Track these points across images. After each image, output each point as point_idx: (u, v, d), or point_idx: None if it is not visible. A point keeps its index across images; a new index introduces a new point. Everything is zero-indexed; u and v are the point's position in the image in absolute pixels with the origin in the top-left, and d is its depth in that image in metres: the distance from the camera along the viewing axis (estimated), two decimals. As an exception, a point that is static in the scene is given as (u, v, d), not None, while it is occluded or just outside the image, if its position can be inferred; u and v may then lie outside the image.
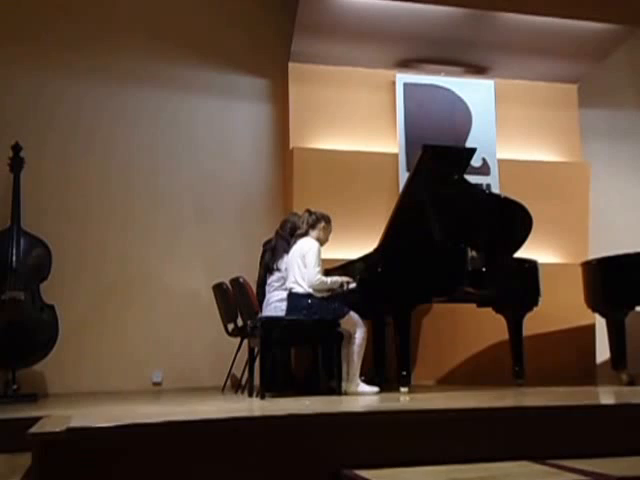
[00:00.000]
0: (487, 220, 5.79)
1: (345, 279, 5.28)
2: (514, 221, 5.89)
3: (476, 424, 3.45)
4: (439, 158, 5.63)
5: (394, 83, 7.36)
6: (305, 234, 5.39)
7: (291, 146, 7.04)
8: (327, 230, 5.44)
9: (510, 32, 6.96)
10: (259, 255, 6.11)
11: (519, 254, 5.95)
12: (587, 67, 7.66)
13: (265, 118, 7.35)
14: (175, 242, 6.91)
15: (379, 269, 5.25)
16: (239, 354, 6.06)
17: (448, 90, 7.47)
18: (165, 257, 6.84)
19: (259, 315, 5.37)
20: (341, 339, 5.08)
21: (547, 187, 7.31)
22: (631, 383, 5.70)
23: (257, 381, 5.14)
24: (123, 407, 4.73)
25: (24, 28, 6.73)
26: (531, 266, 5.94)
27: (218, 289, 6.14)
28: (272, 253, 5.67)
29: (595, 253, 6.68)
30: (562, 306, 6.63)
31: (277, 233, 5.84)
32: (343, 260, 5.79)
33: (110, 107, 6.93)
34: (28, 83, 6.69)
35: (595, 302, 6.13)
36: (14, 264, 5.84)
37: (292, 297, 5.20)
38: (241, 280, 5.62)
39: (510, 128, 7.57)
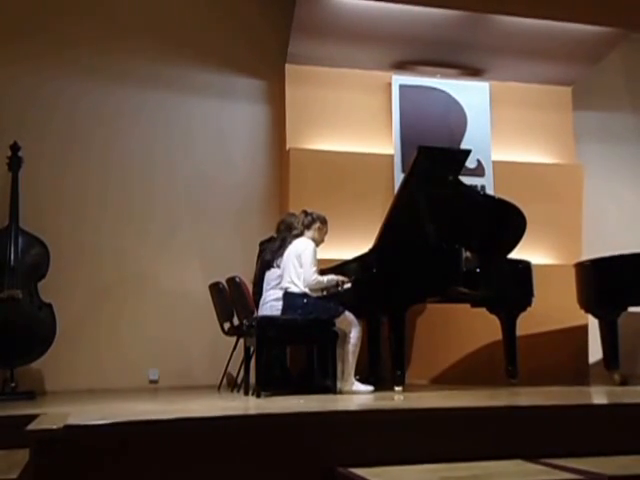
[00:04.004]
0: (481, 221, 5.82)
1: (341, 278, 5.32)
2: (508, 222, 5.93)
3: (470, 423, 3.47)
4: (434, 159, 5.66)
5: (390, 85, 7.39)
6: (300, 234, 5.43)
7: (287, 147, 7.06)
8: (322, 231, 5.47)
9: (505, 35, 6.99)
10: (255, 255, 6.15)
11: (513, 255, 6.00)
12: (581, 70, 7.69)
13: (262, 119, 7.38)
14: (172, 241, 6.93)
15: (374, 269, 5.28)
16: (235, 353, 6.08)
17: (444, 92, 7.50)
18: (162, 256, 6.86)
19: (255, 314, 5.40)
20: (336, 338, 5.10)
21: (541, 189, 7.35)
22: (623, 383, 5.74)
23: (253, 380, 5.16)
24: (120, 405, 4.74)
25: (22, 28, 6.74)
26: (525, 267, 5.98)
27: (214, 288, 6.17)
28: (274, 250, 5.68)
29: (588, 254, 6.71)
30: (555, 306, 6.65)
31: (279, 232, 5.87)
32: (338, 260, 5.82)
33: (107, 107, 6.95)
34: (26, 83, 6.70)
35: (588, 303, 6.17)
36: (12, 262, 5.86)
37: (288, 297, 5.23)
38: (237, 279, 5.65)
39: (505, 130, 7.61)
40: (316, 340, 5.35)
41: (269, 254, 5.74)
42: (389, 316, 5.32)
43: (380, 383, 5.51)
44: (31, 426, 3.06)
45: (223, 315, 6.11)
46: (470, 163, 6.87)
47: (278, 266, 5.55)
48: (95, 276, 6.68)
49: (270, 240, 6.05)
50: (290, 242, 5.43)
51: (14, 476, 3.03)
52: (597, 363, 6.77)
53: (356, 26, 6.78)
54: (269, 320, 5.18)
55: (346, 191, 6.89)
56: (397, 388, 5.11)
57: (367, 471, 3.04)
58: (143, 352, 6.60)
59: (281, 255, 5.53)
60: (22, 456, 3.18)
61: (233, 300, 5.82)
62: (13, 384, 5.75)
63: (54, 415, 3.54)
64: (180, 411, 3.90)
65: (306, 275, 5.18)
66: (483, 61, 7.44)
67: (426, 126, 7.29)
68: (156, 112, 7.09)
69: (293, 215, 5.86)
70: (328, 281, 5.26)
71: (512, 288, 5.92)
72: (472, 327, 6.56)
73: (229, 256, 6.74)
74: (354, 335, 5.14)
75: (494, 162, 7.43)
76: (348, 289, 5.28)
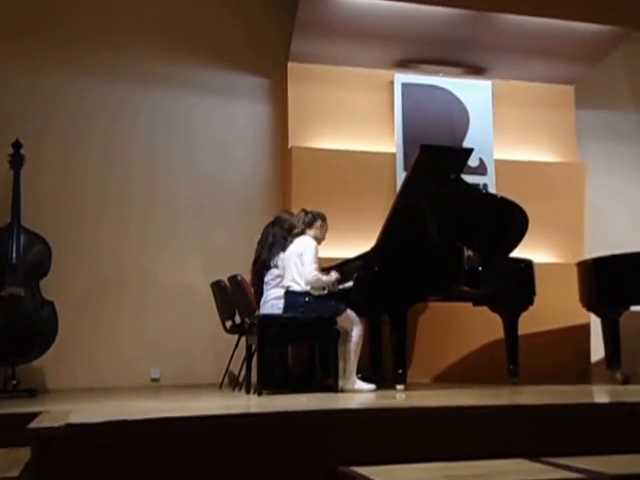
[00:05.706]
0: (483, 220, 5.81)
1: (338, 276, 5.29)
2: (510, 221, 5.92)
3: (471, 422, 3.46)
4: (436, 158, 5.66)
5: (392, 83, 7.38)
6: (302, 233, 5.43)
7: (290, 145, 7.06)
8: (324, 228, 5.47)
9: (508, 33, 6.99)
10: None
11: (515, 254, 5.99)
12: (584, 68, 7.68)
13: (264, 117, 7.37)
14: (173, 239, 6.93)
15: (376, 268, 5.28)
16: (237, 351, 6.09)
17: (446, 90, 7.49)
18: (163, 254, 6.86)
19: (257, 313, 5.40)
20: (338, 337, 5.11)
21: (543, 187, 7.34)
22: (625, 382, 5.74)
23: (254, 378, 5.16)
24: (121, 403, 4.74)
25: (23, 26, 6.74)
26: (527, 265, 5.98)
27: (216, 286, 6.17)
28: (269, 250, 5.69)
29: (590, 253, 6.71)
30: (557, 305, 6.66)
31: (272, 230, 5.85)
32: (340, 259, 5.82)
33: (109, 105, 6.94)
34: (28, 80, 6.70)
35: (590, 302, 6.17)
36: (14, 260, 5.86)
37: (289, 295, 5.23)
38: (239, 278, 5.65)
39: (507, 128, 7.60)
40: (318, 338, 5.34)
41: (265, 254, 5.73)
42: (391, 315, 5.32)
43: (382, 382, 5.50)
44: (33, 424, 3.06)
45: (225, 313, 6.11)
46: (472, 162, 6.87)
47: (275, 266, 5.56)
48: (97, 274, 6.68)
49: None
50: (291, 241, 5.43)
51: (15, 474, 3.01)
52: (599, 362, 6.78)
53: (358, 24, 6.77)
54: (271, 318, 5.18)
55: (348, 190, 6.89)
56: (399, 387, 5.12)
57: (369, 470, 3.03)
58: (145, 350, 6.60)
59: (277, 254, 5.54)
60: (23, 454, 3.17)
61: (235, 298, 5.82)
62: (15, 382, 5.75)
63: (56, 413, 3.54)
64: (181, 409, 3.90)
65: (306, 272, 5.18)
66: (485, 60, 7.43)
67: (428, 124, 7.28)
68: (158, 110, 7.09)
69: (290, 213, 5.86)
70: (327, 279, 5.25)
71: (514, 287, 5.93)
72: (474, 326, 6.56)
73: (231, 254, 6.73)
74: (356, 333, 5.14)
75: (496, 160, 7.43)
76: (350, 287, 5.28)
